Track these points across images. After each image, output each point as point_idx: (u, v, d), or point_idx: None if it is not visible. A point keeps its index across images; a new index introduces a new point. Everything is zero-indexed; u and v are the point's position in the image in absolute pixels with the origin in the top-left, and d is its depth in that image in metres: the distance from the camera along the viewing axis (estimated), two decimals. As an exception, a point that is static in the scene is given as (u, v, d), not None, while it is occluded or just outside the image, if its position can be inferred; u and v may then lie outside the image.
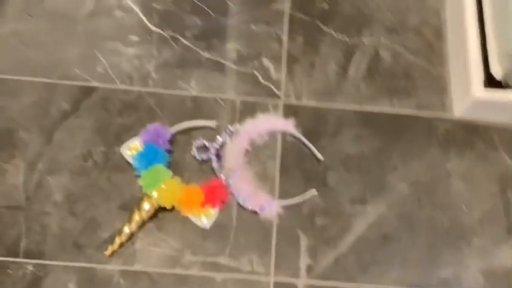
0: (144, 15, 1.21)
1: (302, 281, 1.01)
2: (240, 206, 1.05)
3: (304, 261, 1.02)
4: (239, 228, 1.04)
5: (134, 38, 1.19)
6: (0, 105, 1.10)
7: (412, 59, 1.21)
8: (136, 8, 1.22)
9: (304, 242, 1.04)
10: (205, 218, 1.03)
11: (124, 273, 1.00)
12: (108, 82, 1.14)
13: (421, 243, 1.05)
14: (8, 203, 1.03)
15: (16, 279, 0.98)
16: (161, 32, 1.20)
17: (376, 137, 1.12)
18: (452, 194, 1.09)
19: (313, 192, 1.07)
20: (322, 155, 1.10)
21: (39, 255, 1.00)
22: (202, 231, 1.03)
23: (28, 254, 1.00)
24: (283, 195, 1.07)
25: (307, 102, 1.15)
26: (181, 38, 1.19)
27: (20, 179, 1.05)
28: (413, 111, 1.15)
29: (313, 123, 1.13)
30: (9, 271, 0.99)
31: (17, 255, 1.00)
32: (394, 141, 1.12)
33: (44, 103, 1.11)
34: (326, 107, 1.14)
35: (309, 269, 1.02)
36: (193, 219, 1.03)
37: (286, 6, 1.23)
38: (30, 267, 0.99)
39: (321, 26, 1.23)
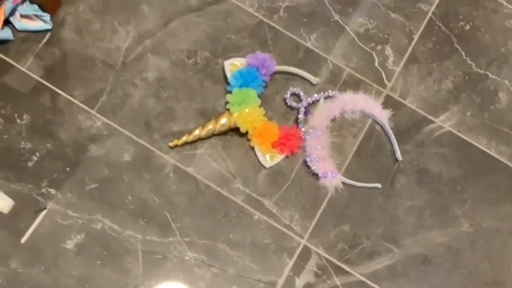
0: (298, -42, 1.22)
1: (330, 258, 1.00)
2: (305, 164, 1.05)
3: (339, 243, 1.01)
4: (294, 183, 1.04)
5: (279, -28, 1.20)
6: (138, -26, 1.14)
7: (527, 114, 1.16)
8: None
9: (347, 226, 1.02)
10: (270, 158, 1.03)
11: (176, 169, 1.01)
12: (239, 0, 1.16)
13: (456, 281, 1.01)
14: (105, 59, 1.07)
15: (83, 127, 1.02)
16: (306, -21, 1.20)
17: (460, 166, 1.09)
18: (507, 251, 1.04)
19: (377, 185, 1.05)
20: (402, 157, 1.08)
21: (111, 117, 1.03)
22: (260, 168, 1.04)
23: (102, 111, 1.03)
24: (348, 174, 1.06)
25: (410, 103, 1.13)
26: (321, -7, 1.19)
27: (125, 44, 1.09)
28: (507, 160, 1.11)
29: (407, 125, 1.11)
30: (79, 117, 1.03)
31: (92, 107, 1.04)
32: (476, 178, 1.09)
33: (176, -10, 1.15)
34: (425, 115, 1.12)
35: (341, 252, 1.00)
36: (258, 153, 1.03)
37: (430, 10, 1.21)
38: (98, 123, 1.03)
39: (455, 42, 1.20)
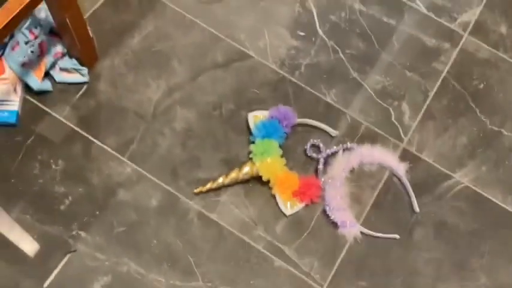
0: (318, 20, 1.30)
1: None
2: (324, 213, 1.08)
3: (357, 292, 1.03)
4: (314, 231, 1.07)
5: (301, 33, 1.28)
6: (170, 33, 1.23)
7: (542, 170, 1.19)
8: (314, 11, 1.31)
9: (366, 276, 1.04)
10: (290, 206, 1.07)
11: (200, 215, 1.05)
12: (263, 57, 1.23)
13: (475, 335, 1.01)
14: (137, 109, 1.14)
15: (113, 173, 1.08)
16: (326, 39, 1.28)
17: (476, 219, 1.11)
18: (527, 307, 1.05)
19: (395, 236, 1.07)
20: (420, 210, 1.10)
21: (141, 164, 1.09)
22: (280, 216, 1.07)
23: (132, 158, 1.09)
24: (366, 224, 1.08)
25: (426, 157, 1.16)
26: (340, 52, 1.26)
27: (156, 96, 1.16)
28: (523, 215, 1.13)
29: (424, 178, 1.14)
30: (110, 163, 1.08)
31: (123, 154, 1.09)
32: (492, 231, 1.10)
33: (204, 48, 1.22)
34: (442, 170, 1.15)
35: (359, 302, 1.02)
36: (279, 201, 1.07)
37: (445, 69, 1.27)
38: (128, 169, 1.08)
39: (469, 100, 1.24)
